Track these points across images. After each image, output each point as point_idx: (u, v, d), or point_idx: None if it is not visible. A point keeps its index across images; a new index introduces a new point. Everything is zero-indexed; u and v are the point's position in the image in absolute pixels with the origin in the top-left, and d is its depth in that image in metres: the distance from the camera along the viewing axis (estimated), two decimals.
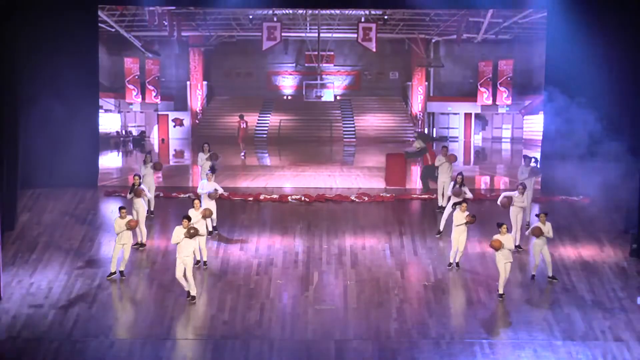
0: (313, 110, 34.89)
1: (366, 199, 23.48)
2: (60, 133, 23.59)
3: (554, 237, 20.54)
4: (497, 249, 17.98)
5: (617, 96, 23.16)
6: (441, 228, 20.99)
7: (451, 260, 19.41)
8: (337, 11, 30.38)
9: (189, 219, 18.04)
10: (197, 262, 18.93)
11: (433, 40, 33.45)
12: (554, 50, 24.04)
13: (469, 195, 20.79)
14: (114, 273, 18.67)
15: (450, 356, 16.11)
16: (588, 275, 19.23)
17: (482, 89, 32.11)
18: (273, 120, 35.00)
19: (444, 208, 21.80)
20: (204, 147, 22.72)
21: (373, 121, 35.32)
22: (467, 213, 19.40)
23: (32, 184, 23.23)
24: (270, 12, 29.94)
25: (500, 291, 18.09)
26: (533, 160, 22.33)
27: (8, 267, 19.06)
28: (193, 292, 17.81)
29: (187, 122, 34.31)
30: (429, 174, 24.34)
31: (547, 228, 18.79)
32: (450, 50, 33.51)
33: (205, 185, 20.79)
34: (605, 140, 21.97)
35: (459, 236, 19.28)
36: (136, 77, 31.03)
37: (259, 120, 34.95)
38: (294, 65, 35.21)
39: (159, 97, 32.44)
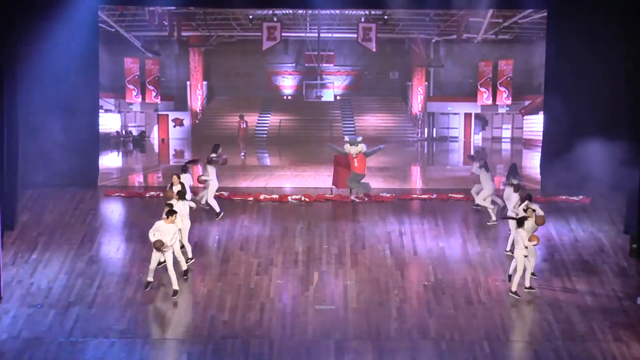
0: (313, 110, 34.82)
1: (366, 199, 23.44)
2: (61, 133, 23.56)
3: (554, 236, 20.57)
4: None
5: (618, 96, 23.13)
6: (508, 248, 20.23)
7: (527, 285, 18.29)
8: (337, 11, 30.38)
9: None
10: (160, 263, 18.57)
11: (433, 40, 33.40)
12: (554, 50, 24.00)
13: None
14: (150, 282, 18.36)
15: (450, 356, 16.10)
16: (588, 275, 19.22)
17: (482, 89, 32.07)
18: (273, 120, 34.95)
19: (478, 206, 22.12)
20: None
21: (373, 121, 35.26)
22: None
23: (32, 184, 23.20)
24: (270, 12, 29.95)
25: (514, 288, 18.09)
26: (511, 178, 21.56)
27: (8, 267, 19.05)
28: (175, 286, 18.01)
29: (187, 122, 34.27)
30: (354, 179, 23.20)
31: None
32: (450, 50, 33.42)
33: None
34: (605, 140, 21.96)
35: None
36: (136, 77, 30.98)
37: (259, 120, 34.91)
38: (294, 65, 35.19)
39: (159, 97, 32.41)
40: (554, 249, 20.27)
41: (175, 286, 17.98)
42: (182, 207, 18.98)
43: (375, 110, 35.82)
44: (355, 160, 23.21)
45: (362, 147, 23.44)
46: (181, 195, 19.20)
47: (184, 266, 18.84)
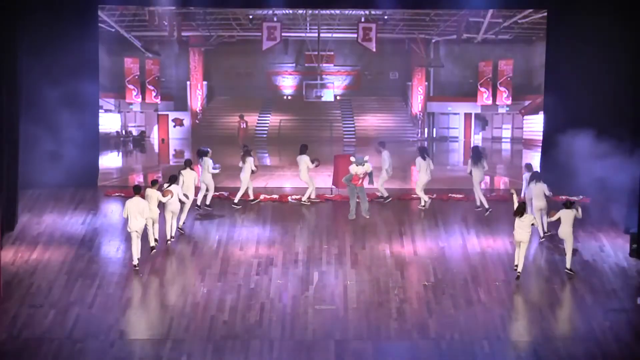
0: (313, 110, 34.85)
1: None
2: (61, 133, 23.57)
3: (554, 236, 20.54)
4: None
5: (618, 96, 23.13)
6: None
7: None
8: (337, 11, 30.40)
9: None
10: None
11: (433, 40, 33.44)
12: (554, 50, 24.01)
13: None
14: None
15: (450, 356, 16.11)
16: (588, 275, 19.22)
17: (482, 89, 32.09)
18: (273, 120, 34.98)
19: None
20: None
21: (373, 121, 35.28)
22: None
23: (32, 184, 23.21)
24: (270, 12, 29.96)
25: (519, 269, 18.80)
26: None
27: (8, 267, 19.06)
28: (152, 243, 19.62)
29: (187, 122, 34.31)
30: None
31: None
32: (450, 50, 33.48)
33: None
34: (606, 140, 21.96)
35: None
36: (136, 77, 31.01)
37: (259, 120, 34.93)
38: (294, 65, 35.20)
39: (159, 97, 32.44)
40: (555, 249, 20.27)
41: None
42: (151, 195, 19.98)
43: (375, 110, 35.85)
44: (360, 180, 22.21)
45: (368, 167, 22.27)
46: (153, 183, 20.28)
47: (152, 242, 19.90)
